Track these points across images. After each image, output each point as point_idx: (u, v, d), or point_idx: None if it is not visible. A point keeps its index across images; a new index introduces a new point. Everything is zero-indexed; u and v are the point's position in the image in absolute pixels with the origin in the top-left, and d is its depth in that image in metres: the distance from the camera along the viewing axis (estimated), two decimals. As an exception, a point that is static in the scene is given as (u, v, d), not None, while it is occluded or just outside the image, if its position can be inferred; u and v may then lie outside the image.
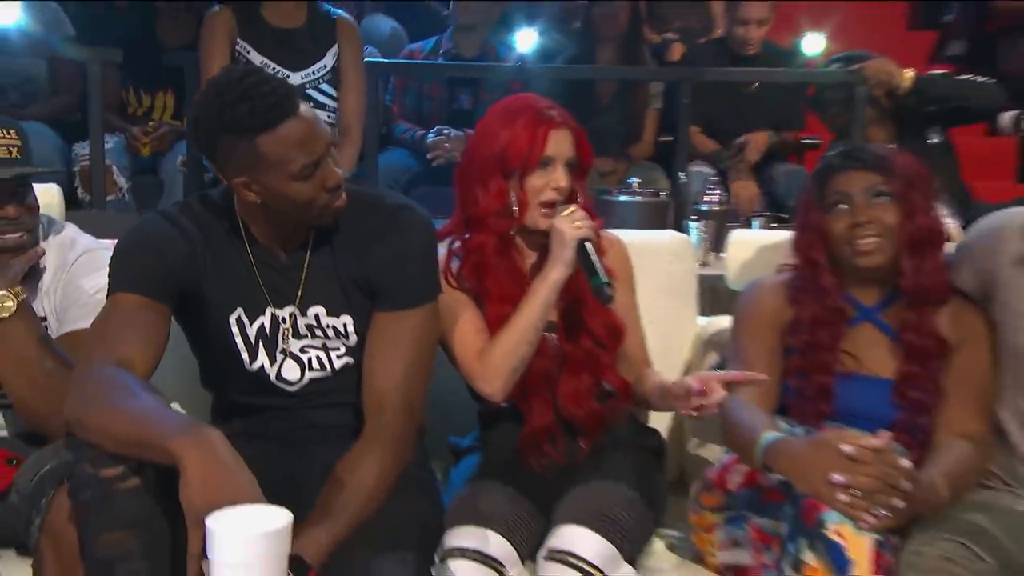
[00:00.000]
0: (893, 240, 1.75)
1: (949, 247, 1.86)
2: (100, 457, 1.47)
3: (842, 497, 1.44)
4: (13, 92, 3.58)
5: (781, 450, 1.54)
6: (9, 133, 1.79)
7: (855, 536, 1.44)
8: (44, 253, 1.87)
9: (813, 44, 4.06)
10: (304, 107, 1.61)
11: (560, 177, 1.81)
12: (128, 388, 1.51)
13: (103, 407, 1.50)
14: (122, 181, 3.52)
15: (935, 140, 3.37)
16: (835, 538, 1.44)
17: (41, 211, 2.00)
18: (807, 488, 1.48)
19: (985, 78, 3.37)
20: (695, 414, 1.63)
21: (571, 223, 1.75)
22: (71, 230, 1.98)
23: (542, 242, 1.85)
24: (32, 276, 1.85)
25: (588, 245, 1.76)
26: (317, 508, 1.60)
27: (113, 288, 1.66)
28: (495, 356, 1.77)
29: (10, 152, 1.77)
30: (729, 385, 1.65)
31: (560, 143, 1.81)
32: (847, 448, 1.46)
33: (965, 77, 3.36)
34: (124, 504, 1.45)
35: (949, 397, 1.74)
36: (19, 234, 1.80)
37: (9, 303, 1.72)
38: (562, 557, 1.60)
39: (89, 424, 1.49)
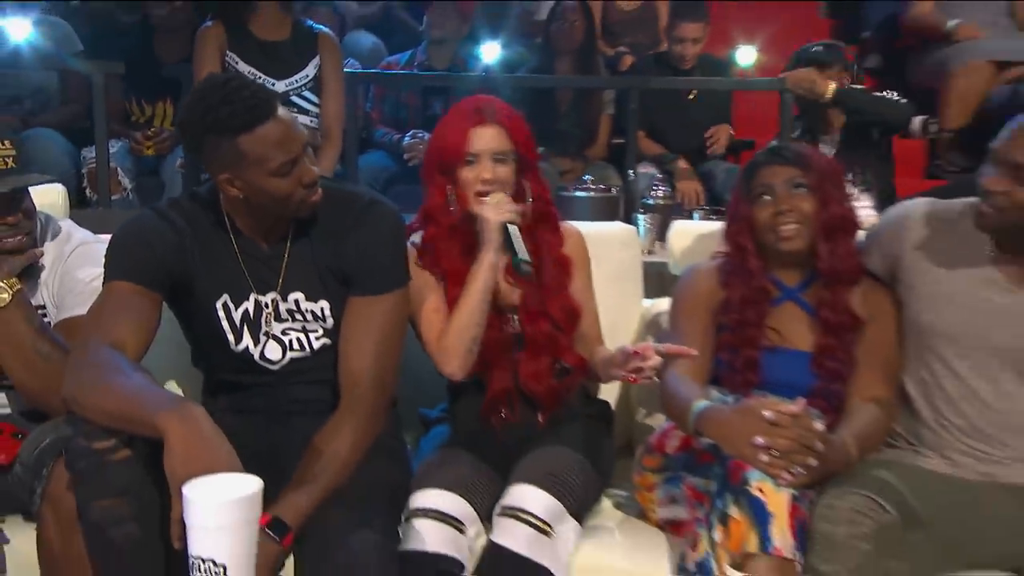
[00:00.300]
0: (810, 227, 1.77)
1: (862, 234, 1.89)
2: (93, 431, 1.48)
3: (763, 458, 1.47)
4: (27, 101, 3.58)
5: (710, 417, 1.57)
6: (4, 144, 1.75)
7: (774, 492, 1.47)
8: (43, 255, 1.86)
9: (745, 55, 4.09)
10: (282, 110, 1.61)
11: (484, 169, 1.82)
12: (119, 368, 1.51)
13: (97, 386, 1.51)
14: (126, 182, 3.50)
15: (876, 137, 3.40)
16: (757, 494, 1.47)
17: (46, 209, 2.00)
18: (733, 450, 1.51)
19: (898, 96, 3.40)
20: (634, 378, 1.63)
21: (495, 209, 1.78)
22: (67, 225, 1.96)
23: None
24: (31, 270, 1.83)
25: (510, 227, 1.78)
26: (296, 475, 1.62)
27: (108, 277, 1.67)
28: (450, 338, 1.80)
29: (6, 163, 1.74)
30: (667, 358, 1.68)
31: (484, 138, 1.82)
32: (768, 414, 1.49)
33: (881, 94, 3.38)
34: (115, 473, 1.46)
35: (860, 367, 1.77)
36: (18, 237, 1.79)
37: (4, 295, 1.71)
38: (513, 513, 1.62)
39: (85, 402, 1.50)
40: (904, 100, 3.41)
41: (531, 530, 1.61)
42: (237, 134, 1.56)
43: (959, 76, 4.04)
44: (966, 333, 1.70)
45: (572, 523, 1.68)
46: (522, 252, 1.77)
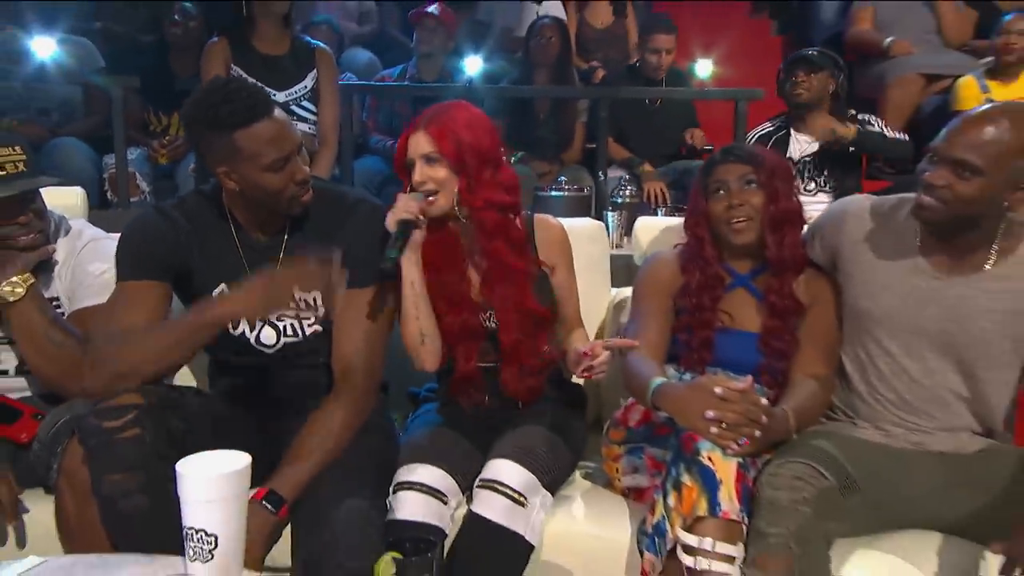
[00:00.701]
0: (760, 220, 1.76)
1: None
2: (103, 411, 1.48)
3: (713, 430, 1.45)
4: (54, 113, 3.59)
5: (666, 393, 1.55)
6: (15, 149, 1.72)
7: (723, 461, 1.45)
8: (54, 251, 1.83)
9: (703, 68, 4.08)
10: (278, 111, 1.60)
11: (416, 173, 1.73)
12: (137, 328, 1.60)
13: (135, 344, 1.57)
14: (144, 185, 3.50)
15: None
16: (707, 463, 1.45)
17: (66, 210, 1.97)
18: (686, 423, 1.50)
19: (900, 135, 3.38)
20: (588, 375, 1.59)
21: (394, 209, 1.66)
22: (79, 224, 1.93)
23: (466, 224, 1.80)
24: (44, 265, 1.81)
25: (396, 226, 1.65)
26: (291, 450, 1.60)
27: (117, 278, 1.69)
28: (406, 337, 1.75)
29: (16, 167, 1.70)
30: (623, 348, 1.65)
31: (414, 144, 1.74)
32: (718, 390, 1.47)
33: (893, 136, 3.33)
34: (124, 450, 1.45)
35: (802, 346, 1.75)
36: (31, 236, 1.76)
37: (19, 289, 1.69)
38: (491, 485, 1.61)
39: (133, 363, 1.55)
40: (907, 138, 3.37)
41: (507, 501, 1.59)
42: (234, 130, 1.55)
43: (894, 87, 4.12)
44: (897, 317, 1.69)
45: (545, 494, 1.66)
46: (392, 252, 1.62)
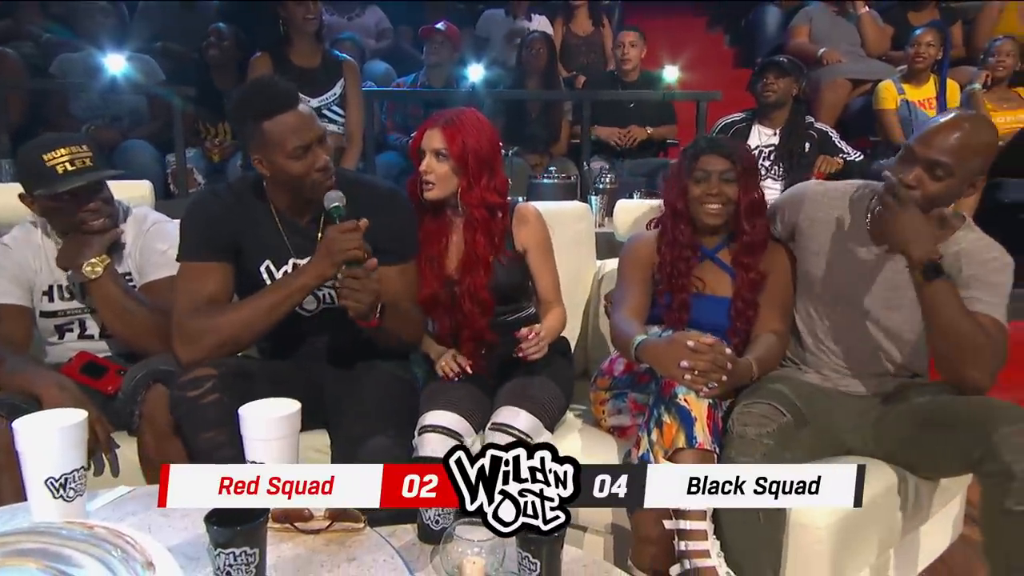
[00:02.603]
0: (731, 208, 1.72)
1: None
2: (185, 383, 1.47)
3: (687, 376, 1.43)
4: (124, 119, 3.58)
5: (647, 347, 1.52)
6: (83, 148, 1.66)
7: (696, 402, 1.43)
8: (122, 233, 1.78)
9: (670, 73, 4.02)
10: (302, 106, 1.54)
11: (424, 163, 1.70)
12: (221, 303, 1.57)
13: (231, 315, 1.54)
14: (200, 179, 3.47)
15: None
16: (683, 404, 1.43)
17: (135, 201, 1.92)
18: (664, 371, 1.47)
19: (859, 155, 3.31)
20: (524, 355, 1.61)
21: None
22: (144, 210, 1.88)
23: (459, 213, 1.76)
24: (116, 246, 1.77)
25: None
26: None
27: (183, 256, 1.63)
28: None
29: (84, 163, 1.65)
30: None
31: (429, 138, 1.70)
32: (690, 343, 1.44)
33: (855, 158, 3.26)
34: (209, 412, 1.44)
35: (762, 307, 1.73)
36: (100, 220, 1.71)
37: (99, 268, 1.66)
38: (502, 427, 1.59)
39: (232, 332, 1.53)
40: (862, 155, 3.32)
41: (516, 440, 1.57)
42: (263, 119, 1.50)
43: (827, 90, 4.11)
44: (843, 285, 1.66)
45: (546, 433, 1.64)
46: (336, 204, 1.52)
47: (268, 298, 1.55)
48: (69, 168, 1.63)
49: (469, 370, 1.71)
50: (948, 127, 1.46)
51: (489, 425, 1.61)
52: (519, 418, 1.59)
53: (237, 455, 1.26)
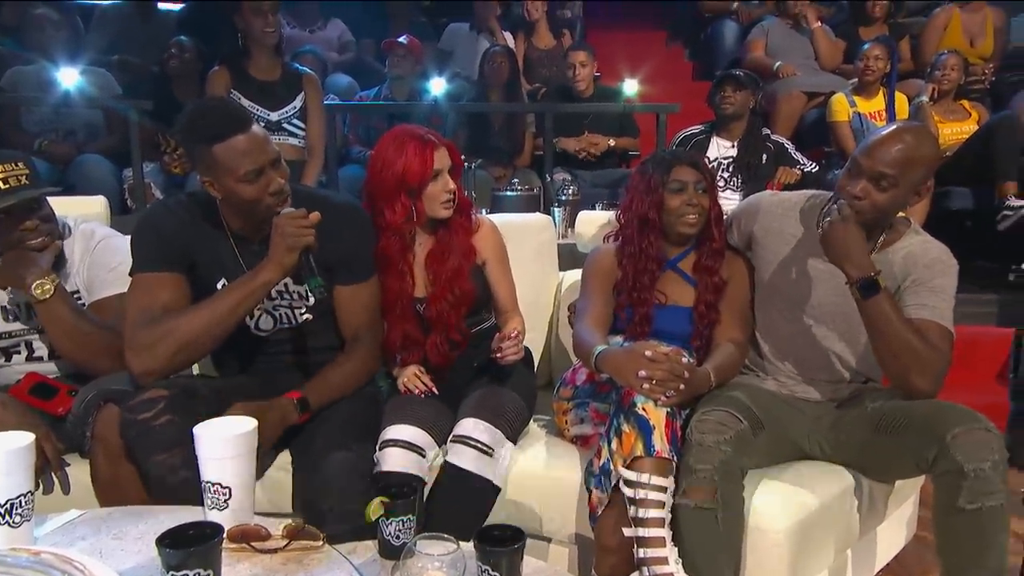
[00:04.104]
0: (705, 217, 1.74)
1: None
2: (135, 406, 1.42)
3: (645, 386, 1.44)
4: (79, 133, 3.48)
5: (607, 357, 1.54)
6: (17, 165, 1.63)
7: (655, 411, 1.45)
8: (61, 248, 1.73)
9: (630, 86, 4.07)
10: (255, 127, 1.48)
11: (449, 182, 1.71)
12: (177, 309, 1.51)
13: (188, 319, 1.48)
14: (158, 194, 3.37)
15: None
16: (642, 413, 1.45)
17: (88, 216, 1.88)
18: (623, 381, 1.49)
19: (815, 166, 3.40)
20: (499, 355, 1.65)
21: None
22: (91, 225, 1.84)
23: (435, 225, 1.77)
24: (61, 262, 1.73)
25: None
26: (318, 378, 1.60)
27: (135, 268, 1.57)
28: None
29: (19, 180, 1.61)
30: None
31: (441, 158, 1.70)
32: (648, 353, 1.46)
33: (811, 170, 3.36)
34: (160, 434, 1.40)
35: (722, 315, 1.75)
36: (40, 239, 1.67)
37: (48, 287, 1.62)
38: (463, 440, 1.58)
39: (190, 337, 1.46)
40: (817, 167, 3.41)
41: (477, 452, 1.57)
42: (213, 143, 1.45)
43: (782, 102, 4.19)
44: (798, 292, 1.70)
45: (508, 444, 1.64)
46: (314, 281, 1.53)
47: (228, 298, 1.48)
48: (2, 187, 1.59)
49: (435, 390, 1.71)
50: (890, 139, 1.50)
51: (451, 437, 1.61)
52: (480, 429, 1.59)
53: (192, 477, 1.23)
